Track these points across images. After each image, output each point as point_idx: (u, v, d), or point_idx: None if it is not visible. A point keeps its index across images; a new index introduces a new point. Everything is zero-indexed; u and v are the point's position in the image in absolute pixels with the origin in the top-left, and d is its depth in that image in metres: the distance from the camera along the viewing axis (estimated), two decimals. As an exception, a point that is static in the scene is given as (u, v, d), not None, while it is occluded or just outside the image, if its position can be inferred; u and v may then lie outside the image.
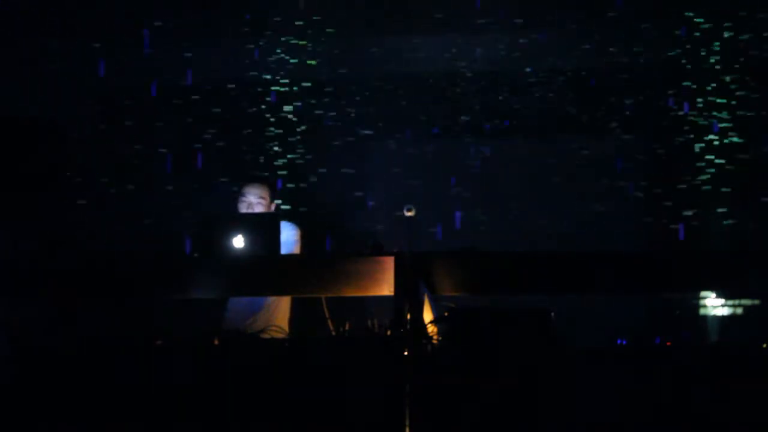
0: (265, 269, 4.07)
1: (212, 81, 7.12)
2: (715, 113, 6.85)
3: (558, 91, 7.05)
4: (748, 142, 6.79)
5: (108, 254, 6.42)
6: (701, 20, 6.73)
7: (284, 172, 7.08)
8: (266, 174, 6.94)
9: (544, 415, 3.34)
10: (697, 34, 6.81)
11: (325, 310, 4.23)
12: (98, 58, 6.90)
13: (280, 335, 3.89)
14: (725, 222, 6.69)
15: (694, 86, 6.89)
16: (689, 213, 6.76)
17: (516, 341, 3.52)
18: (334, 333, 4.03)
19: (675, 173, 6.88)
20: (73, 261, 4.38)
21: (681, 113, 6.89)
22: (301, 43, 7.04)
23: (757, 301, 6.57)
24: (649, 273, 3.93)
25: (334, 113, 7.17)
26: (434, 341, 3.56)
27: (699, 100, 6.87)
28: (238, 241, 4.10)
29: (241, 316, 4.80)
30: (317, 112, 7.17)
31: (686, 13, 6.75)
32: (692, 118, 6.89)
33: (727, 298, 6.62)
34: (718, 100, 6.85)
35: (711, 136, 6.85)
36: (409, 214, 3.93)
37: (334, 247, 6.63)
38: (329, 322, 4.19)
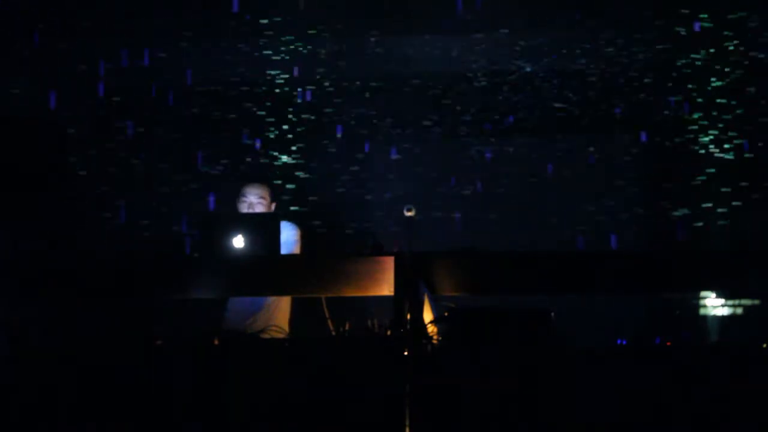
0: (265, 269, 4.07)
1: (212, 81, 7.12)
2: (715, 113, 6.85)
3: (558, 91, 7.05)
4: (749, 142, 6.79)
5: (108, 254, 6.43)
6: (704, 16, 6.73)
7: (284, 172, 7.08)
8: (266, 173, 6.94)
9: (544, 415, 3.34)
10: (697, 34, 6.82)
11: (325, 310, 4.23)
12: (98, 58, 6.90)
13: (280, 335, 3.89)
14: (725, 222, 6.69)
15: (695, 86, 6.89)
16: (689, 213, 6.76)
17: (516, 341, 3.52)
18: (334, 333, 4.04)
19: (675, 173, 6.88)
20: (73, 261, 4.38)
21: (681, 113, 6.90)
22: (301, 42, 7.04)
23: (757, 301, 6.57)
24: (649, 273, 3.93)
25: (335, 113, 7.17)
26: (434, 341, 3.56)
27: (699, 100, 6.87)
28: (238, 241, 4.10)
29: (241, 316, 4.81)
30: (317, 111, 7.17)
31: (685, 12, 6.75)
32: (692, 118, 6.89)
33: (727, 298, 6.62)
34: (719, 100, 6.85)
35: (711, 136, 6.85)
36: (409, 214, 3.93)
37: (334, 247, 6.63)
38: (329, 322, 4.19)
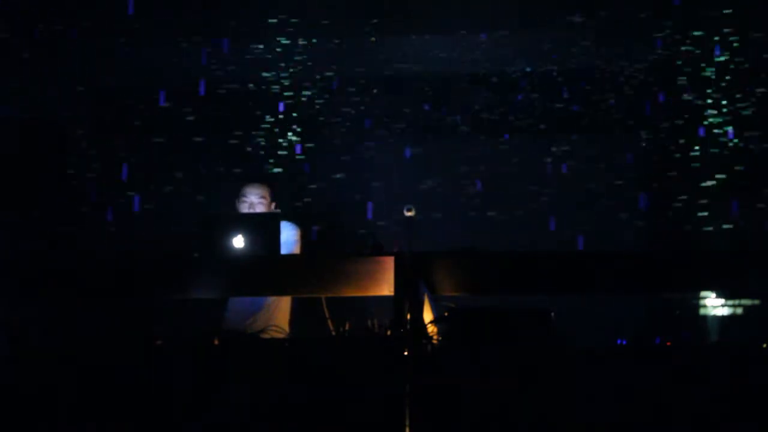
0: (265, 269, 4.07)
1: (212, 81, 7.12)
2: (715, 112, 6.85)
3: (558, 90, 7.06)
4: (749, 141, 6.79)
5: (108, 254, 6.43)
6: (704, 16, 6.73)
7: (284, 172, 7.08)
8: (266, 173, 6.94)
9: (544, 415, 3.34)
10: (698, 33, 6.82)
11: (325, 310, 4.23)
12: (98, 58, 6.90)
13: (280, 335, 3.89)
14: (725, 223, 6.69)
15: (695, 85, 6.89)
16: (689, 213, 6.76)
17: (516, 341, 3.52)
18: (334, 333, 4.03)
19: (675, 173, 6.88)
20: (73, 261, 4.38)
21: (681, 113, 6.90)
22: (301, 42, 7.04)
23: (757, 301, 6.57)
24: (649, 273, 3.92)
25: (335, 113, 7.17)
26: (434, 341, 3.56)
27: (699, 101, 6.87)
28: (238, 241, 4.10)
29: (241, 316, 4.80)
30: (317, 111, 7.18)
31: (686, 12, 6.75)
32: (692, 117, 6.89)
33: (727, 298, 6.62)
34: (719, 100, 6.85)
35: (711, 137, 6.85)
36: (409, 214, 3.93)
37: (334, 247, 6.63)
38: (329, 322, 4.19)
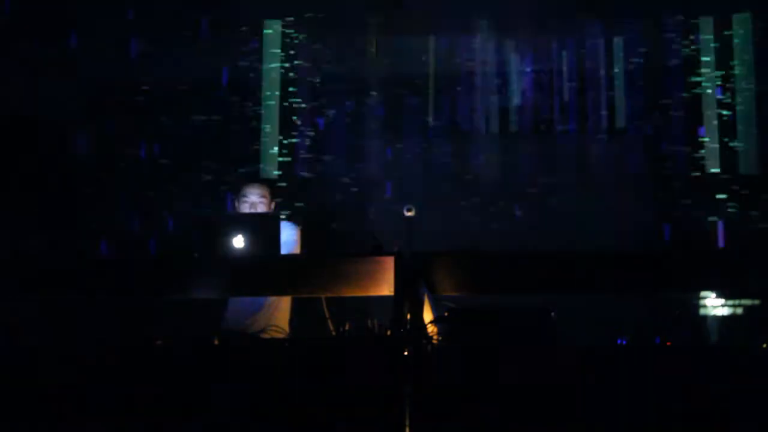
0: (265, 269, 4.07)
1: (212, 80, 7.12)
2: (716, 112, 6.85)
3: (558, 90, 7.05)
4: (749, 141, 6.79)
5: (108, 254, 6.43)
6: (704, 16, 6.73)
7: (284, 172, 7.08)
8: (266, 173, 6.94)
9: (544, 415, 3.34)
10: (697, 33, 6.82)
11: (325, 310, 4.23)
12: (98, 57, 6.89)
13: (280, 335, 3.89)
14: (723, 224, 6.69)
15: (696, 85, 6.89)
16: (689, 213, 6.76)
17: (516, 341, 3.52)
18: (334, 333, 4.03)
19: (675, 172, 6.88)
20: (73, 261, 4.38)
21: (681, 113, 6.90)
22: (301, 42, 7.03)
23: (757, 301, 6.57)
24: (649, 273, 3.92)
25: (334, 113, 7.17)
26: (434, 341, 3.56)
27: (699, 101, 6.87)
28: (238, 241, 4.10)
29: (241, 316, 4.80)
30: (317, 111, 7.17)
31: (688, 11, 6.75)
32: (693, 117, 6.89)
33: (727, 298, 6.62)
34: (721, 99, 6.85)
35: (711, 136, 6.85)
36: (409, 214, 3.92)
37: (334, 247, 6.63)
38: (329, 322, 4.19)
